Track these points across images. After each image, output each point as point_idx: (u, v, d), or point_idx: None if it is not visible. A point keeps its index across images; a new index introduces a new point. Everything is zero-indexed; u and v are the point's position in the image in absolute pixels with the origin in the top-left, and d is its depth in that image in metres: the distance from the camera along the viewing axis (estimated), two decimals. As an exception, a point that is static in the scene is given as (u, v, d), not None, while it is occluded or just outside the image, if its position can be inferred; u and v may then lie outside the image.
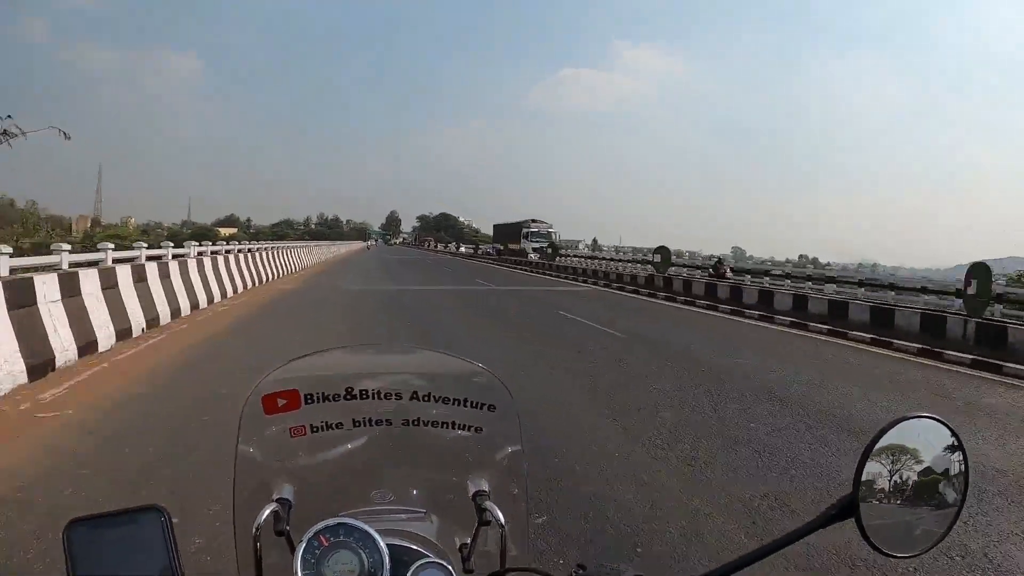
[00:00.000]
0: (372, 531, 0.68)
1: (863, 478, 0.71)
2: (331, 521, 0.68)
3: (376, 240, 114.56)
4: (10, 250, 6.45)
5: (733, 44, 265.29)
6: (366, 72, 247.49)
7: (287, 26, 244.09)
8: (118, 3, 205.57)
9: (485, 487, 0.82)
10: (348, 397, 0.83)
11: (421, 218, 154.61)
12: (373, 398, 0.84)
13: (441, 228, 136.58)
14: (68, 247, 7.72)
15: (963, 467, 0.74)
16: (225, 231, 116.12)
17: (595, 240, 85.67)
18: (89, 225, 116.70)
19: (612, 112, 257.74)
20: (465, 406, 0.84)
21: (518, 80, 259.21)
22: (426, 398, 0.84)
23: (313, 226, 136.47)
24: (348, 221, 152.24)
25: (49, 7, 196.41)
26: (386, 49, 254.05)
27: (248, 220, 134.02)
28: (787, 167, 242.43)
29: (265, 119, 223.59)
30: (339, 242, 60.53)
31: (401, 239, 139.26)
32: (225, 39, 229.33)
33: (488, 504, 0.78)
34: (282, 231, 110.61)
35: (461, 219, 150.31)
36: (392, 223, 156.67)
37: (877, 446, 0.72)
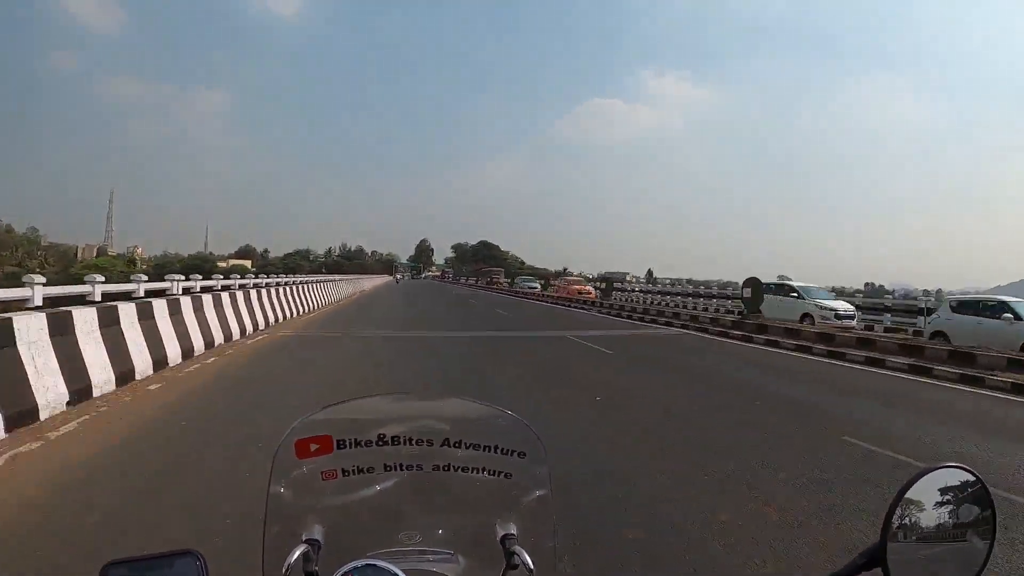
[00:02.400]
0: (400, 572, 0.76)
1: (891, 527, 0.78)
2: (359, 562, 0.78)
3: (403, 274, 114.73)
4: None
5: (758, 71, 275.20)
6: (392, 109, 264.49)
7: (315, 63, 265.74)
8: (147, 37, 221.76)
9: (513, 530, 0.90)
10: (380, 443, 0.92)
11: (457, 247, 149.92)
12: (404, 444, 0.92)
13: (480, 259, 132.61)
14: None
15: (991, 516, 0.81)
16: (236, 262, 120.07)
17: (650, 272, 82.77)
18: (95, 254, 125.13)
19: (639, 142, 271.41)
20: (496, 452, 0.92)
21: (544, 113, 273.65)
22: (457, 444, 0.92)
23: (336, 257, 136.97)
24: (373, 252, 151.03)
25: (78, 40, 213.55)
26: (413, 85, 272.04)
27: (265, 251, 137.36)
28: (817, 192, 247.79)
29: (290, 153, 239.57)
30: (357, 277, 51.46)
31: (432, 272, 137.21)
32: (255, 74, 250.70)
33: (516, 548, 0.86)
34: (294, 262, 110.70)
35: (503, 248, 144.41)
36: (422, 253, 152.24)
37: (906, 496, 0.79)
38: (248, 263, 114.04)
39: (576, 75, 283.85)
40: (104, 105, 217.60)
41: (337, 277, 38.37)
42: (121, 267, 58.96)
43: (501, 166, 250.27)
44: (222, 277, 15.82)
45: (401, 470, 0.94)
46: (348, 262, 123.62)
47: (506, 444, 0.93)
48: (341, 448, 0.91)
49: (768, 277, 22.94)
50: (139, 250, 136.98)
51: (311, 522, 0.90)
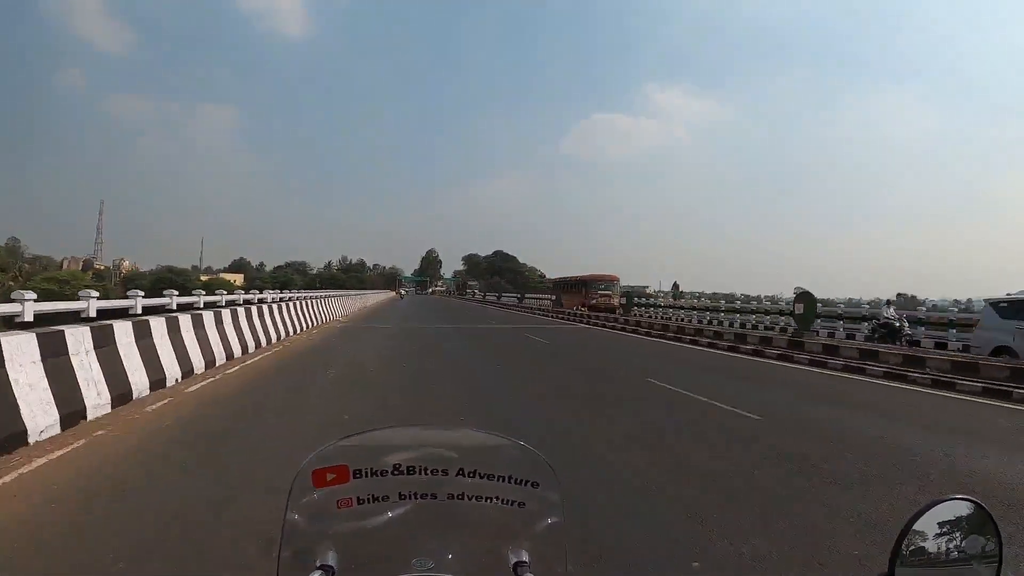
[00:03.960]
0: None
1: (900, 557, 0.84)
2: None
3: (408, 289, 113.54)
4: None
5: (764, 83, 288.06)
6: (398, 125, 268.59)
7: (321, 81, 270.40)
8: (155, 56, 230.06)
9: (525, 558, 0.96)
10: (395, 472, 0.98)
11: (469, 259, 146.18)
12: (419, 473, 0.98)
13: (496, 271, 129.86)
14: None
15: (997, 548, 0.87)
16: (227, 276, 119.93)
17: (675, 285, 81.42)
18: (80, 267, 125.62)
19: (646, 155, 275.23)
20: (509, 482, 0.99)
21: (550, 127, 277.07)
22: (471, 474, 0.98)
23: (335, 270, 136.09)
24: (375, 265, 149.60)
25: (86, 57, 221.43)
26: (418, 101, 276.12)
27: (261, 264, 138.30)
28: (829, 203, 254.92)
29: (293, 168, 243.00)
30: (348, 294, 45.11)
31: (438, 288, 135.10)
32: (260, 91, 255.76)
33: (529, 575, 0.91)
34: (286, 276, 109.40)
35: (520, 260, 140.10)
36: (429, 266, 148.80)
37: (914, 527, 0.85)
38: (239, 277, 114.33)
39: (583, 90, 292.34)
40: (109, 121, 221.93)
41: (321, 294, 32.53)
42: (86, 282, 58.12)
43: (510, 180, 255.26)
44: (176, 294, 13.91)
45: (415, 499, 0.99)
46: (345, 275, 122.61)
47: (519, 474, 0.99)
48: (357, 477, 0.97)
49: (784, 289, 22.10)
50: (125, 263, 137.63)
51: (325, 548, 0.95)
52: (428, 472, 0.99)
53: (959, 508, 0.87)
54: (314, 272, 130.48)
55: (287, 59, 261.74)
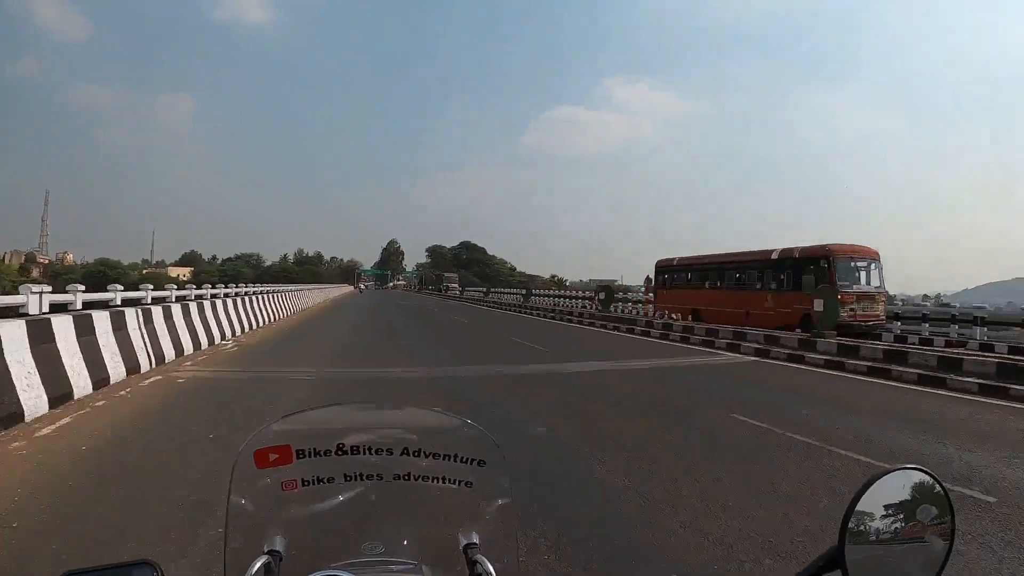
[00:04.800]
0: None
1: (850, 529, 0.84)
2: (320, 574, 0.81)
3: (367, 283, 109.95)
4: None
5: (722, 79, 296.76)
6: (360, 116, 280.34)
7: (283, 71, 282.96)
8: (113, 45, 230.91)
9: (476, 539, 0.97)
10: (339, 452, 0.97)
11: (433, 250, 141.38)
12: (364, 453, 0.98)
13: (462, 263, 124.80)
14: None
15: (949, 517, 0.87)
16: (177, 269, 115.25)
17: (648, 279, 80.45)
18: (23, 260, 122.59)
19: (606, 149, 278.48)
20: (455, 461, 0.98)
21: (511, 122, 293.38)
22: (416, 453, 0.99)
23: (290, 263, 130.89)
24: (333, 258, 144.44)
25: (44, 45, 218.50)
26: (381, 92, 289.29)
27: (214, 257, 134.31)
28: (786, 197, 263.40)
29: (251, 159, 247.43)
30: (299, 288, 38.91)
31: (400, 282, 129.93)
32: (220, 81, 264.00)
33: (479, 557, 0.91)
34: (235, 269, 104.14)
35: (489, 252, 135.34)
36: (392, 257, 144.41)
37: (863, 498, 0.85)
38: (186, 271, 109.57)
39: (545, 83, 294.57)
40: (63, 111, 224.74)
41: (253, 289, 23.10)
42: (12, 276, 55.03)
43: (473, 172, 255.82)
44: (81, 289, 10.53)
45: (362, 480, 0.98)
46: (300, 269, 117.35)
47: (466, 453, 0.98)
48: (301, 458, 0.95)
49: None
50: (69, 257, 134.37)
51: (272, 533, 0.93)
52: (373, 452, 0.98)
53: (908, 478, 0.88)
54: (267, 264, 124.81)
55: (247, 47, 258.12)
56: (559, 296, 46.87)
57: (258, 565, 0.85)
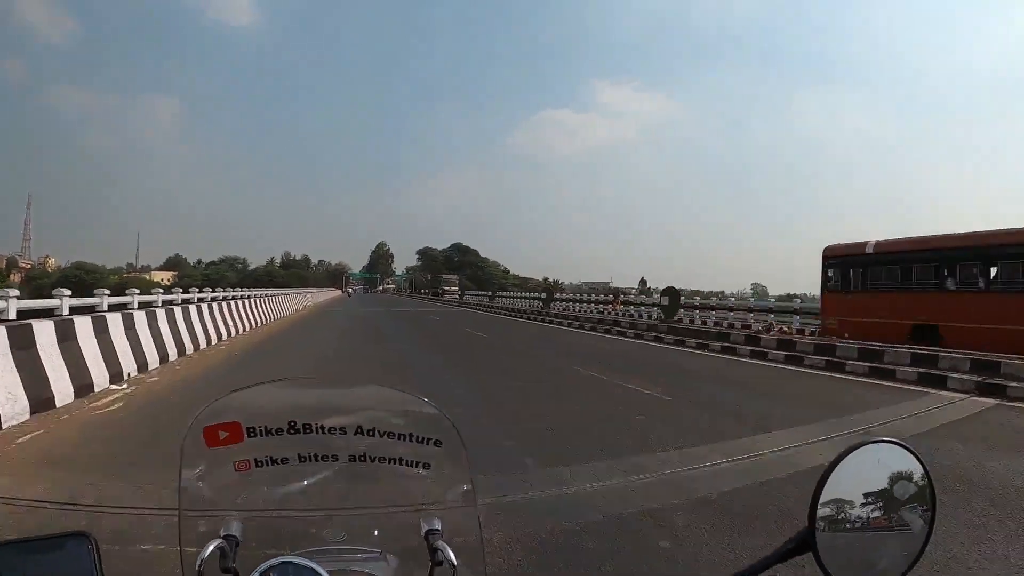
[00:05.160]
0: (322, 571, 0.79)
1: (820, 510, 0.80)
2: (277, 560, 0.79)
3: (355, 288, 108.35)
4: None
5: (708, 83, 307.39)
6: (346, 120, 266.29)
7: (268, 74, 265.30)
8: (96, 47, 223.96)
9: (437, 526, 0.94)
10: (291, 431, 0.93)
11: (424, 253, 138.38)
12: (317, 432, 0.94)
13: (454, 266, 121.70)
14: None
15: (929, 494, 0.83)
16: (160, 274, 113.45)
17: (643, 281, 78.92)
18: (3, 264, 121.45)
19: (594, 151, 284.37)
20: (411, 441, 0.95)
21: (498, 126, 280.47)
22: (371, 433, 0.95)
23: (276, 266, 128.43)
24: (320, 261, 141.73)
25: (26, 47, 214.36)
26: (367, 95, 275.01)
27: (199, 261, 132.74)
28: (773, 201, 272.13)
29: (237, 162, 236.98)
30: (283, 292, 36.17)
31: (389, 285, 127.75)
32: (204, 84, 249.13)
33: (440, 544, 0.89)
34: (219, 273, 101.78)
35: (482, 254, 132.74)
36: (381, 260, 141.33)
37: (833, 474, 0.80)
38: (168, 275, 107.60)
39: (531, 86, 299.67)
40: (47, 114, 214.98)
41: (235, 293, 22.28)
42: None
43: (461, 175, 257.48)
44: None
45: (316, 460, 0.95)
46: (286, 272, 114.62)
47: (421, 432, 0.96)
48: (251, 436, 0.92)
49: (742, 286, 13.77)
50: (51, 261, 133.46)
51: (228, 518, 0.91)
52: (327, 431, 0.95)
53: (884, 452, 0.82)
54: (252, 268, 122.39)
55: (233, 50, 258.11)
56: (581, 301, 40.66)
57: (211, 549, 0.83)
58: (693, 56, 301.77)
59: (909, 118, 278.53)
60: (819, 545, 0.78)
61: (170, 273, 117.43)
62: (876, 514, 0.81)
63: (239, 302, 20.16)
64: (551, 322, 27.97)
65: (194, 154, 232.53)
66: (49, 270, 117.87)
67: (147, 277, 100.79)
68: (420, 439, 0.95)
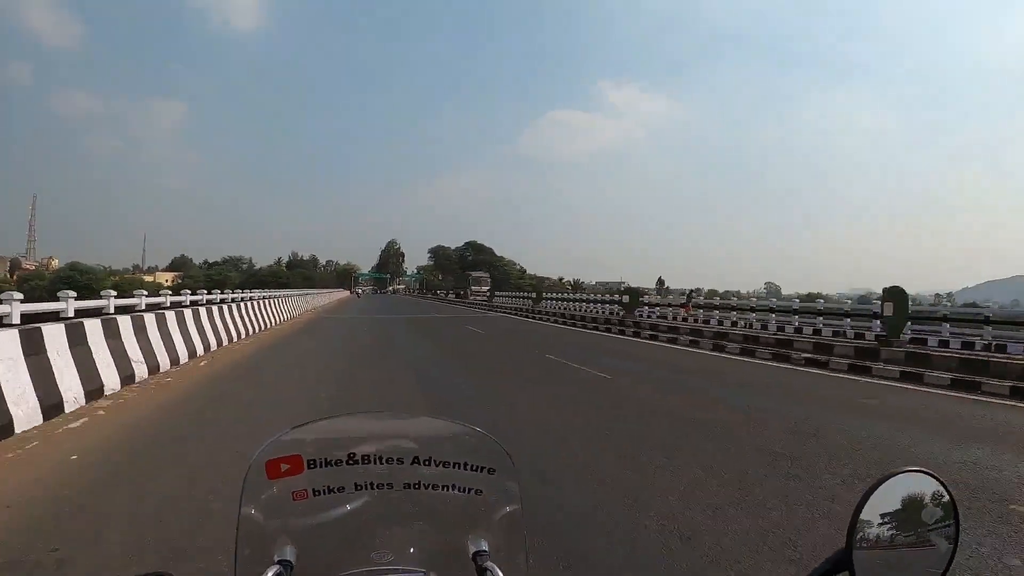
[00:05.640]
0: None
1: (857, 532, 0.85)
2: None
3: (364, 288, 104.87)
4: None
5: (715, 82, 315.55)
6: (354, 122, 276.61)
7: (276, 76, 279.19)
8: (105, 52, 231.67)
9: (485, 547, 0.96)
10: (350, 462, 0.97)
11: (436, 251, 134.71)
12: (374, 463, 0.97)
13: (468, 265, 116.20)
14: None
15: (953, 519, 0.89)
16: (163, 275, 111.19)
17: (661, 281, 75.06)
18: (7, 266, 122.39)
19: (602, 153, 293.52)
20: (465, 469, 0.98)
21: (507, 126, 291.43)
22: (426, 462, 0.98)
23: (282, 266, 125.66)
24: (329, 262, 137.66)
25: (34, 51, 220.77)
26: (376, 97, 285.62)
27: (204, 261, 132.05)
28: (781, 200, 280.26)
29: (244, 164, 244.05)
30: (285, 293, 32.92)
31: (398, 287, 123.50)
32: (212, 87, 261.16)
33: (489, 564, 0.91)
34: (221, 273, 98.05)
35: (497, 252, 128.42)
36: (390, 259, 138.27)
37: (869, 501, 0.86)
38: (170, 276, 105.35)
39: (542, 87, 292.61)
40: (54, 117, 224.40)
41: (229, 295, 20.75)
42: None
43: (470, 176, 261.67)
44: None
45: (371, 489, 0.98)
46: (290, 272, 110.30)
47: (475, 461, 0.98)
48: (312, 468, 0.95)
49: (755, 285, 9.43)
50: (54, 262, 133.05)
51: (283, 543, 0.94)
52: (384, 461, 0.98)
53: (914, 481, 0.89)
54: (256, 268, 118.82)
55: (241, 53, 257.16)
56: (665, 305, 31.66)
57: (269, 575, 0.87)
58: (696, 55, 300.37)
59: (920, 113, 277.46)
60: (856, 565, 0.85)
61: (172, 274, 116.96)
62: (907, 536, 0.87)
63: (215, 308, 15.82)
64: (649, 337, 20.63)
65: (202, 156, 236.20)
66: (49, 272, 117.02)
67: (144, 279, 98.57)
68: (474, 467, 0.98)
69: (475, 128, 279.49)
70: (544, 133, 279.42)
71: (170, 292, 15.05)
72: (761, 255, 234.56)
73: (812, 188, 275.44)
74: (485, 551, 0.94)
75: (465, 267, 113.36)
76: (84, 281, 69.67)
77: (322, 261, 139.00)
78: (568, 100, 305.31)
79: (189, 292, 16.82)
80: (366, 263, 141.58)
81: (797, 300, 30.12)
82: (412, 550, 0.98)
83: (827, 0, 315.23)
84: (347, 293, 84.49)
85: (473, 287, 69.80)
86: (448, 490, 0.97)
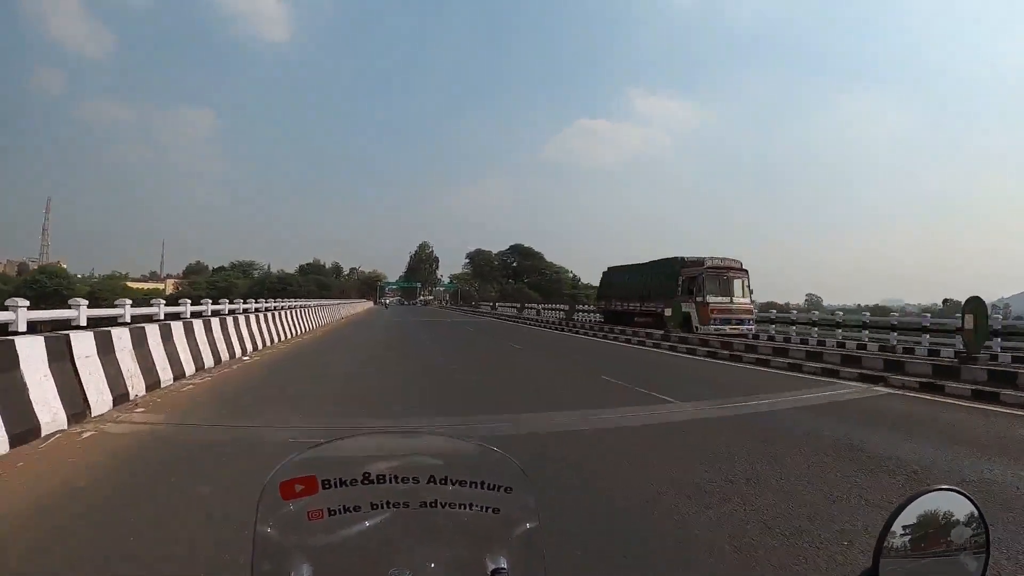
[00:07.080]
0: None
1: (885, 550, 0.84)
2: None
3: (392, 299, 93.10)
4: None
5: (741, 87, 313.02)
6: (382, 131, 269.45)
7: (304, 87, 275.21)
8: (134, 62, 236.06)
9: (504, 564, 0.96)
10: (365, 482, 0.97)
11: (475, 256, 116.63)
12: (390, 482, 0.98)
13: (513, 275, 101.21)
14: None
15: (983, 539, 0.87)
16: (148, 286, 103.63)
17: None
18: (16, 271, 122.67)
19: (630, 161, 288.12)
20: (482, 488, 0.98)
21: (534, 134, 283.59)
22: (443, 481, 0.98)
23: (298, 272, 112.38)
24: (353, 270, 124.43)
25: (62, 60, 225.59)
26: (402, 106, 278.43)
27: (220, 268, 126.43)
28: (809, 207, 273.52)
29: (272, 173, 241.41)
30: (289, 303, 27.45)
31: (427, 297, 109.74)
32: (241, 96, 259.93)
33: None
34: (228, 279, 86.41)
35: (547, 258, 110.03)
36: (423, 265, 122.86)
37: (898, 519, 0.84)
38: (170, 283, 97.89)
39: (567, 96, 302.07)
40: (82, 124, 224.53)
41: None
42: None
43: (486, 192, 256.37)
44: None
45: (388, 507, 0.98)
46: (302, 277, 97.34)
47: (492, 479, 0.98)
48: (326, 488, 0.96)
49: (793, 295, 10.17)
50: (63, 266, 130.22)
51: (299, 561, 0.94)
52: (399, 480, 0.98)
53: (943, 499, 0.87)
54: (263, 274, 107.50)
55: (270, 63, 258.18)
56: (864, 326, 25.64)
57: None
58: (722, 60, 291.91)
59: (946, 119, 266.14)
60: None
61: (174, 281, 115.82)
62: (936, 557, 0.85)
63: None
64: (707, 354, 17.72)
65: (229, 164, 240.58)
66: (19, 276, 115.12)
67: (121, 285, 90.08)
68: (491, 486, 0.98)
69: (503, 136, 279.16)
70: (569, 143, 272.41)
71: (163, 302, 14.81)
72: (796, 265, 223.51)
73: (834, 194, 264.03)
74: (504, 568, 0.95)
75: (508, 275, 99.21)
76: (52, 286, 62.83)
77: (345, 269, 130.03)
78: (596, 109, 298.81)
79: (163, 302, 14.77)
80: (393, 273, 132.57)
81: (868, 314, 29.10)
82: (429, 568, 0.97)
83: (854, 4, 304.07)
84: (370, 304, 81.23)
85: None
86: (465, 508, 0.97)
